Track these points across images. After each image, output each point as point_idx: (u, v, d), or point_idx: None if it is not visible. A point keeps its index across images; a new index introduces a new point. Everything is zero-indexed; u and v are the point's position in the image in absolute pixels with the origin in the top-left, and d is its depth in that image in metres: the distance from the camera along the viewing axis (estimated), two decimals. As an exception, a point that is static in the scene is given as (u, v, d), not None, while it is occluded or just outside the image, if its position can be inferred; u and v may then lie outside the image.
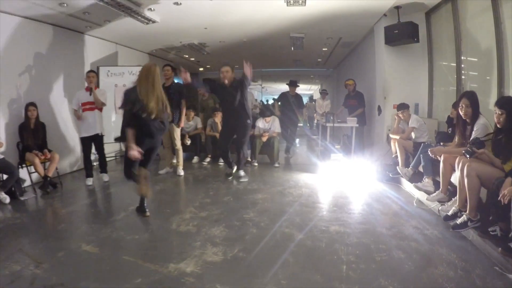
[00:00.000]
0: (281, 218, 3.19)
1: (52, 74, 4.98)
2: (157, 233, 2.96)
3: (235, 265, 2.29)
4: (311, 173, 5.19)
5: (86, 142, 4.46)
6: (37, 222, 3.31)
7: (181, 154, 5.01)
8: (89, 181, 4.55)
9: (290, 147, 7.02)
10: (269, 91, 19.75)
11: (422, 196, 3.59)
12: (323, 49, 7.84)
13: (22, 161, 4.15)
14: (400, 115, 4.35)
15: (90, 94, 4.40)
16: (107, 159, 4.96)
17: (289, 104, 6.72)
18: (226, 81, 4.32)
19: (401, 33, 4.81)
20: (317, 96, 15.37)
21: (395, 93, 5.20)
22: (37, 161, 4.05)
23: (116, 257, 2.44)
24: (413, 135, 4.28)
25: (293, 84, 6.91)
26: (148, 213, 3.23)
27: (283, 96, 7.01)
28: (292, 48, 6.72)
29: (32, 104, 4.23)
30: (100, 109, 4.53)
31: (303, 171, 5.33)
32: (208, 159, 6.03)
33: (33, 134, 4.22)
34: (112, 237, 2.81)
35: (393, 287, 1.96)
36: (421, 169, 3.85)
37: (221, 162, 5.72)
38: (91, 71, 4.63)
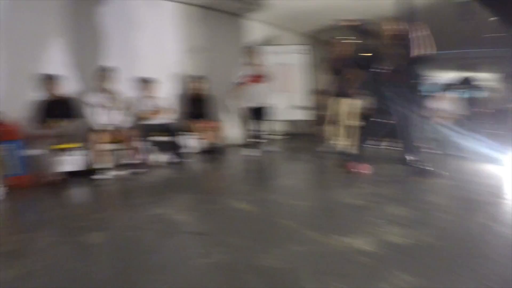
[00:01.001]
0: (473, 207, 2.30)
1: (216, 54, 5.30)
2: (324, 203, 2.57)
3: (424, 252, 1.63)
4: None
5: (248, 113, 4.53)
6: (197, 180, 3.50)
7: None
8: (250, 151, 4.59)
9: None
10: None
11: None
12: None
13: (188, 127, 4.54)
14: None
15: (252, 69, 4.44)
16: (272, 137, 5.03)
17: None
18: None
19: None
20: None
21: None
22: (200, 128, 4.36)
23: (271, 219, 2.16)
24: None
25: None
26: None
27: None
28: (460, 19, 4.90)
29: (200, 77, 4.64)
30: (265, 83, 4.50)
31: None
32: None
33: (200, 104, 4.60)
34: (270, 199, 2.60)
35: None
36: None
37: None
38: (250, 47, 4.66)
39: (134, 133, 3.91)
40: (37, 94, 3.84)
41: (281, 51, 5.53)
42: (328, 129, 4.59)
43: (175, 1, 4.83)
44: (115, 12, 4.35)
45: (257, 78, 4.39)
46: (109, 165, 3.79)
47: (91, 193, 3.40)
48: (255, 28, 5.78)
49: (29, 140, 3.58)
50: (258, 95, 4.41)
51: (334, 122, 4.44)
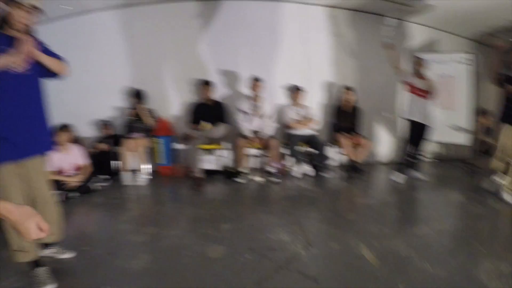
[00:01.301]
0: None
1: (367, 60, 4.71)
2: (472, 280, 1.74)
3: None
4: None
5: (412, 127, 3.83)
6: (328, 201, 3.21)
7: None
8: (397, 176, 3.85)
9: None
10: None
11: None
12: None
13: (333, 141, 4.26)
14: None
15: (420, 80, 3.81)
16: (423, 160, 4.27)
17: None
18: None
19: None
20: None
21: None
22: (346, 143, 4.03)
23: (392, 284, 1.67)
24: None
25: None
26: None
27: None
28: None
29: (349, 88, 4.26)
30: (432, 98, 3.83)
31: None
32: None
33: (347, 117, 4.24)
34: (400, 254, 2.01)
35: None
36: None
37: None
38: (419, 56, 3.96)
39: (277, 141, 3.91)
40: (192, 98, 4.29)
41: (442, 60, 4.59)
42: (496, 162, 3.49)
43: (323, 5, 4.56)
44: (262, 19, 4.44)
45: (424, 93, 3.74)
46: (248, 169, 3.90)
47: (226, 191, 3.63)
48: (415, 32, 4.97)
49: (179, 137, 3.99)
50: (423, 110, 3.78)
51: (504, 155, 3.34)
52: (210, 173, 4.04)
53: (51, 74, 1.79)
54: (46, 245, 1.95)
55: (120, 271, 1.83)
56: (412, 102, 3.79)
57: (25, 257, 1.69)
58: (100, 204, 3.18)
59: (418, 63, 3.84)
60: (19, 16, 1.59)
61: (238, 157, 3.90)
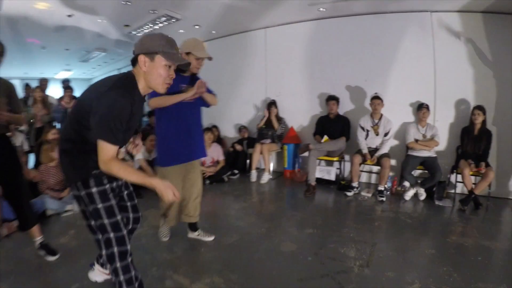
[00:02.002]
0: None
1: (505, 72, 3.82)
2: None
3: None
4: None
5: None
6: (420, 230, 2.96)
7: None
8: None
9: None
10: None
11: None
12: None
13: (456, 166, 3.78)
14: None
15: None
16: None
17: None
18: None
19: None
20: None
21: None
22: (466, 171, 3.50)
23: None
24: None
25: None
26: None
27: None
28: None
29: (480, 108, 3.62)
30: None
31: None
32: None
33: (474, 141, 3.66)
34: None
35: None
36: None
37: None
38: None
39: (389, 160, 3.85)
40: (320, 111, 4.74)
41: None
42: None
43: (449, 11, 3.96)
44: (385, 33, 4.29)
45: None
46: (359, 184, 4.03)
47: (330, 201, 3.94)
48: None
49: (303, 146, 4.52)
50: None
51: None
52: (324, 182, 4.40)
53: (206, 104, 2.43)
54: (192, 229, 2.64)
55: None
56: None
57: (168, 223, 2.55)
58: (225, 192, 4.13)
59: None
60: (196, 64, 2.25)
61: (352, 171, 4.06)
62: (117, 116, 1.29)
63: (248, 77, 5.46)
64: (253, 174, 4.70)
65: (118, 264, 1.46)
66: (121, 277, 1.47)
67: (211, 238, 2.64)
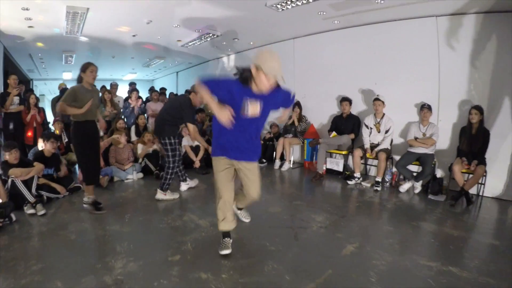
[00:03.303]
0: None
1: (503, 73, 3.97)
2: None
3: None
4: None
5: None
6: (394, 214, 3.43)
7: None
8: None
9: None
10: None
11: None
12: None
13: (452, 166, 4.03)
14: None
15: None
16: None
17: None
18: None
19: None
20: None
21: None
22: (457, 168, 3.78)
23: None
24: None
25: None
26: None
27: None
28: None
29: (478, 108, 3.85)
30: None
31: None
32: None
33: (470, 140, 3.90)
34: None
35: None
36: None
37: None
38: None
39: (385, 154, 4.37)
40: (337, 111, 5.41)
41: None
42: None
43: (447, 15, 4.22)
44: (393, 38, 4.73)
45: None
46: (360, 175, 4.63)
47: (329, 186, 4.63)
48: None
49: (313, 140, 5.22)
50: None
51: None
52: (335, 172, 5.06)
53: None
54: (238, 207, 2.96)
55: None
56: None
57: (225, 226, 2.40)
58: None
59: None
60: (264, 80, 1.97)
61: (354, 163, 4.67)
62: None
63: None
64: (276, 163, 5.57)
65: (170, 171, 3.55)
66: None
67: (247, 220, 3.04)
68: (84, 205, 3.40)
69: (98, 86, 5.71)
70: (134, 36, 5.79)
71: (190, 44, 6.20)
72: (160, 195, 3.73)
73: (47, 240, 2.68)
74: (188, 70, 10.00)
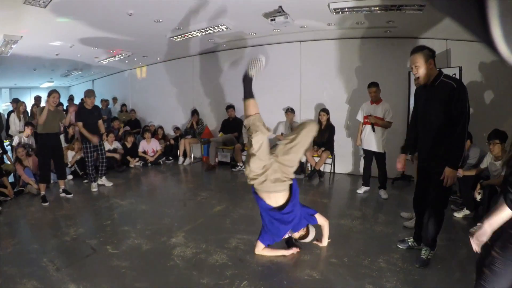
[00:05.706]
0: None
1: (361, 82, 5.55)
2: None
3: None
4: None
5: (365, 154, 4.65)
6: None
7: None
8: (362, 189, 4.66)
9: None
10: None
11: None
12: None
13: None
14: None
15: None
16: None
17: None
18: None
19: None
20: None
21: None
22: (308, 154, 5.41)
23: None
24: None
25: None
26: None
27: None
28: None
29: (324, 110, 5.43)
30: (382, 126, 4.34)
31: None
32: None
33: (321, 133, 5.14)
34: None
35: None
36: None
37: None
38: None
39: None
40: (225, 116, 6.87)
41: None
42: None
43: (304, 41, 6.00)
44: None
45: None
46: (242, 163, 6.15)
47: (221, 173, 6.04)
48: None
49: (210, 139, 6.61)
50: (370, 139, 4.50)
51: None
52: (226, 163, 6.53)
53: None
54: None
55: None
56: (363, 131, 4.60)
57: None
58: (162, 171, 6.20)
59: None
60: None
61: (236, 155, 6.20)
62: None
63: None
64: (180, 159, 6.79)
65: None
66: None
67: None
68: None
69: (15, 94, 5.78)
70: (57, 55, 6.28)
71: (105, 60, 7.01)
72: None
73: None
74: (103, 78, 10.36)
